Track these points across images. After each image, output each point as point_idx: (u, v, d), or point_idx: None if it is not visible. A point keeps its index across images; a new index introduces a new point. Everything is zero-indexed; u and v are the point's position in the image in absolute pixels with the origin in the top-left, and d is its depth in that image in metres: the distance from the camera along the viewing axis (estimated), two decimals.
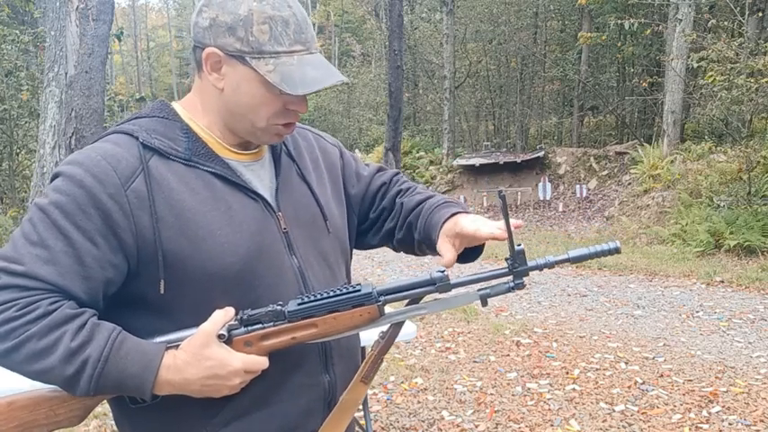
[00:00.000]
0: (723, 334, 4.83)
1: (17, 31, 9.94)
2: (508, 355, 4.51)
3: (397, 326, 1.08)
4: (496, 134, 18.76)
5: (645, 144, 12.30)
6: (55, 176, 0.97)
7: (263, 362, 0.98)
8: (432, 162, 15.81)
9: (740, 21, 9.59)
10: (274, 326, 0.99)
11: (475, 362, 4.36)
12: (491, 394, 3.77)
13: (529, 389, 3.83)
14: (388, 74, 13.01)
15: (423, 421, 3.41)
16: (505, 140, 17.78)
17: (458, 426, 3.34)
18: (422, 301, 1.08)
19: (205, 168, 1.02)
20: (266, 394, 1.02)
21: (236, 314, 0.99)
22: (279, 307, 0.99)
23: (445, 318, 5.48)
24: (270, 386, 1.02)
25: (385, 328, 1.09)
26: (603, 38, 13.80)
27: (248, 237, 1.01)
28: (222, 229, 0.99)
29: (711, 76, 8.94)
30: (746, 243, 7.62)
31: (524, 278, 1.05)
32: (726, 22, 9.74)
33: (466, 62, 18.10)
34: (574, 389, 3.81)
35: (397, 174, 1.34)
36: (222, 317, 0.97)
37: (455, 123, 16.55)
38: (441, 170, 15.18)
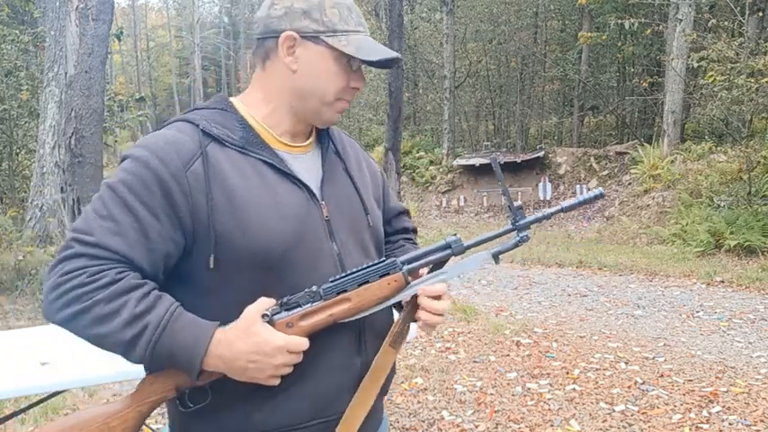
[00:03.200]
0: (723, 334, 4.83)
1: (17, 31, 9.94)
2: (508, 355, 4.51)
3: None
4: (496, 134, 18.74)
5: (645, 144, 12.30)
6: (124, 158, 1.06)
7: (303, 341, 1.04)
8: (432, 162, 15.80)
9: (740, 21, 9.59)
10: (311, 306, 1.06)
11: (475, 362, 4.36)
12: (491, 394, 3.77)
13: (529, 389, 3.83)
14: (388, 74, 13.00)
15: (423, 421, 3.41)
16: (505, 140, 17.77)
17: (458, 426, 3.34)
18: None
19: (257, 156, 1.10)
20: (302, 372, 1.07)
21: (278, 301, 1.07)
22: (314, 288, 1.07)
23: (445, 318, 5.47)
24: (306, 365, 1.07)
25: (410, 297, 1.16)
26: (604, 38, 13.80)
27: (292, 222, 1.08)
28: (268, 213, 1.06)
29: (711, 75, 8.94)
30: (747, 243, 7.62)
31: (527, 231, 1.16)
32: (726, 22, 9.74)
33: (466, 62, 18.09)
34: (574, 389, 3.80)
35: (409, 230, 1.45)
36: (266, 302, 1.05)
37: (455, 123, 16.54)
38: (441, 170, 15.17)
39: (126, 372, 2.07)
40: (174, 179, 1.02)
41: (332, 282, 1.08)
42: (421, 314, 1.14)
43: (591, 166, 13.14)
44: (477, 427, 3.32)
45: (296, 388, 1.08)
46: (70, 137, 7.21)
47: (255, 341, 1.01)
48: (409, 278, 1.12)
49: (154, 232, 1.01)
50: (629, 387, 3.80)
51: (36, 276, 6.18)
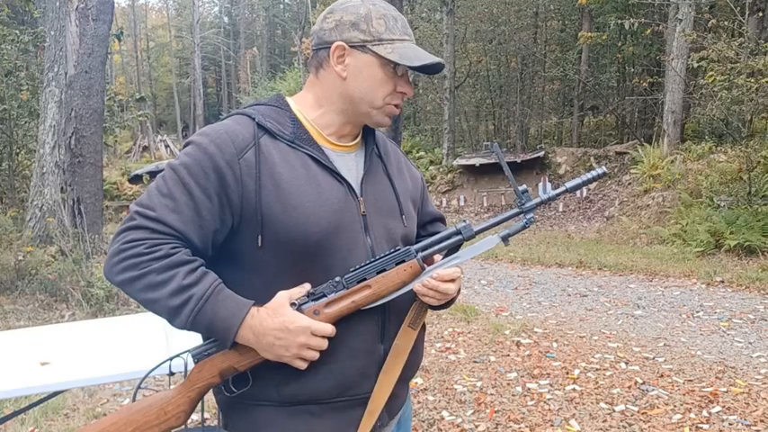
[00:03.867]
0: (723, 334, 4.83)
1: (17, 31, 9.94)
2: (508, 355, 4.51)
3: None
4: (496, 134, 18.73)
5: (645, 144, 12.30)
6: (186, 144, 1.18)
7: (327, 326, 1.14)
8: (432, 162, 15.79)
9: (740, 21, 9.58)
10: (335, 294, 1.16)
11: (475, 362, 4.36)
12: (491, 394, 3.76)
13: (529, 389, 3.83)
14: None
15: (423, 421, 3.41)
16: (505, 140, 17.76)
17: (458, 426, 3.34)
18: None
19: (304, 150, 1.20)
20: (329, 354, 1.16)
21: (307, 293, 1.17)
22: (337, 278, 1.17)
23: (445, 318, 5.47)
24: (332, 348, 1.16)
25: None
26: (604, 38, 13.80)
27: (330, 213, 1.18)
28: (310, 202, 1.16)
29: (712, 75, 8.94)
30: (747, 243, 7.62)
31: (533, 213, 1.24)
32: (726, 22, 9.72)
33: (466, 62, 18.07)
34: (574, 389, 3.80)
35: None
36: (296, 291, 1.16)
37: (455, 123, 16.53)
38: (441, 170, 15.17)
39: (126, 372, 2.07)
40: (228, 165, 1.13)
41: (353, 271, 1.17)
42: (419, 289, 1.21)
43: (591, 166, 13.13)
44: (477, 427, 3.32)
45: (323, 367, 1.17)
46: (70, 137, 7.22)
47: (282, 320, 1.11)
48: (424, 264, 1.20)
49: (205, 210, 1.12)
50: (629, 387, 3.80)
51: (36, 276, 6.18)
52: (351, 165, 1.27)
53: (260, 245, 1.15)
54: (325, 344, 1.14)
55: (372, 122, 1.27)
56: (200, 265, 1.13)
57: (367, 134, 1.33)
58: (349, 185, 1.22)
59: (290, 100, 1.28)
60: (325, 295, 1.16)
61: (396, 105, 1.26)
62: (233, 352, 1.15)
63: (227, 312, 1.10)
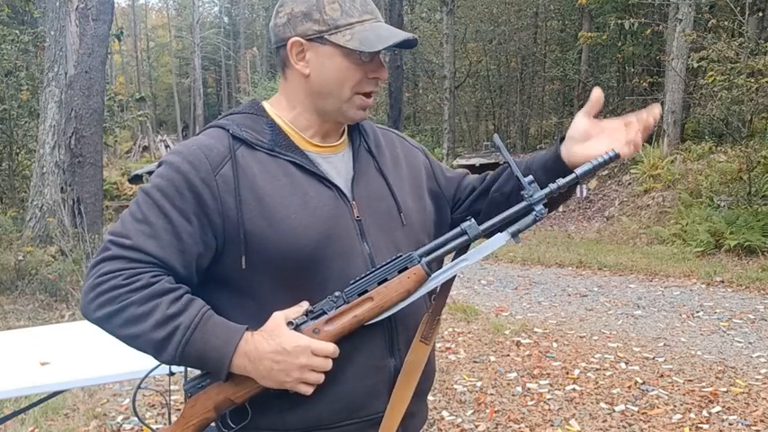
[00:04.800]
0: (723, 334, 4.83)
1: (17, 31, 9.94)
2: (508, 355, 4.51)
3: (446, 283, 1.15)
4: (496, 134, 18.75)
5: (645, 144, 12.27)
6: (159, 164, 1.11)
7: (329, 345, 1.05)
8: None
9: (740, 21, 9.58)
10: (336, 310, 1.07)
11: (475, 362, 4.36)
12: (491, 394, 3.76)
13: (529, 389, 3.83)
14: (388, 74, 13.00)
15: None
16: (505, 140, 17.76)
17: (458, 426, 3.34)
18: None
19: (285, 158, 1.12)
20: (334, 375, 1.07)
21: (305, 312, 1.08)
22: (337, 293, 1.08)
23: (445, 318, 5.47)
24: (338, 367, 1.08)
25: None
26: (604, 38, 13.80)
27: (321, 222, 1.10)
28: (298, 213, 1.08)
29: (712, 75, 8.94)
30: (747, 243, 7.62)
31: (543, 205, 1.12)
32: (726, 22, 9.73)
33: (466, 62, 18.09)
34: (574, 389, 3.80)
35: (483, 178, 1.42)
36: (294, 310, 1.07)
37: (455, 123, 16.54)
38: None
39: (126, 372, 2.07)
40: (203, 183, 1.05)
41: (352, 284, 1.08)
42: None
43: None
44: (477, 427, 3.32)
45: (328, 389, 1.07)
46: (70, 137, 7.21)
47: (279, 341, 1.02)
48: (428, 269, 1.10)
49: (185, 234, 1.05)
50: (629, 387, 3.80)
51: (36, 276, 6.18)
52: (339, 166, 1.18)
53: (243, 266, 1.06)
54: (328, 364, 1.05)
55: (346, 118, 1.17)
56: (185, 292, 1.05)
57: (352, 129, 1.23)
58: (339, 189, 1.14)
59: (266, 104, 1.19)
60: (324, 312, 1.07)
61: (367, 94, 1.15)
62: (228, 382, 1.06)
63: (219, 340, 1.02)
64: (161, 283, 1.02)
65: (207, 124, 1.18)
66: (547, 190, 1.12)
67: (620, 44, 15.08)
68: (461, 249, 1.14)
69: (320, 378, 1.05)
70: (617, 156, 1.14)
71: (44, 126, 7.31)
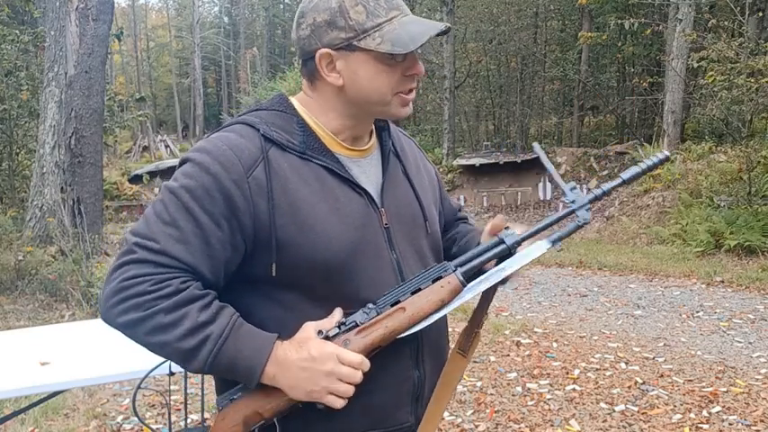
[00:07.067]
0: (723, 334, 4.83)
1: (17, 31, 9.93)
2: (508, 355, 4.51)
3: (487, 294, 1.12)
4: (496, 134, 18.72)
5: (645, 144, 12.30)
6: (183, 162, 1.05)
7: (357, 356, 1.01)
8: (432, 162, 15.78)
9: (740, 21, 9.58)
10: (368, 320, 1.03)
11: (475, 362, 4.36)
12: (491, 394, 3.77)
13: (529, 389, 3.83)
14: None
15: None
16: (505, 140, 17.76)
17: (458, 426, 3.34)
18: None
19: (317, 162, 1.07)
20: (363, 385, 1.04)
21: (338, 323, 1.05)
22: (370, 305, 1.05)
23: None
24: (367, 378, 1.04)
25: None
26: (604, 38, 13.78)
27: (352, 229, 1.06)
28: (329, 221, 1.04)
29: (712, 75, 8.94)
30: (747, 243, 7.62)
31: (587, 212, 1.10)
32: (726, 22, 9.72)
33: (466, 62, 18.06)
34: (574, 389, 3.80)
35: (465, 218, 1.45)
36: (326, 322, 1.04)
37: (455, 123, 16.52)
38: (441, 170, 15.14)
39: (126, 372, 2.07)
40: (235, 185, 1.00)
41: (385, 295, 1.05)
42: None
43: (591, 165, 13.14)
44: (477, 427, 3.32)
45: (354, 399, 1.03)
46: (70, 137, 7.22)
47: (306, 349, 1.00)
48: (463, 279, 1.07)
49: (215, 239, 1.00)
50: (629, 387, 3.80)
51: (36, 276, 6.18)
52: (369, 171, 1.14)
53: (273, 273, 1.03)
54: (357, 375, 1.01)
55: (391, 116, 1.13)
56: (214, 298, 1.01)
57: (381, 131, 1.20)
58: (369, 196, 1.10)
59: (294, 101, 1.13)
60: (357, 324, 1.03)
61: (410, 90, 1.10)
62: (258, 394, 1.02)
63: (251, 350, 0.98)
64: (190, 289, 0.98)
65: (228, 122, 1.12)
66: (592, 195, 1.10)
67: (620, 44, 15.07)
68: (500, 259, 1.10)
69: (350, 390, 1.01)
70: (667, 158, 1.13)
71: (44, 126, 7.31)
